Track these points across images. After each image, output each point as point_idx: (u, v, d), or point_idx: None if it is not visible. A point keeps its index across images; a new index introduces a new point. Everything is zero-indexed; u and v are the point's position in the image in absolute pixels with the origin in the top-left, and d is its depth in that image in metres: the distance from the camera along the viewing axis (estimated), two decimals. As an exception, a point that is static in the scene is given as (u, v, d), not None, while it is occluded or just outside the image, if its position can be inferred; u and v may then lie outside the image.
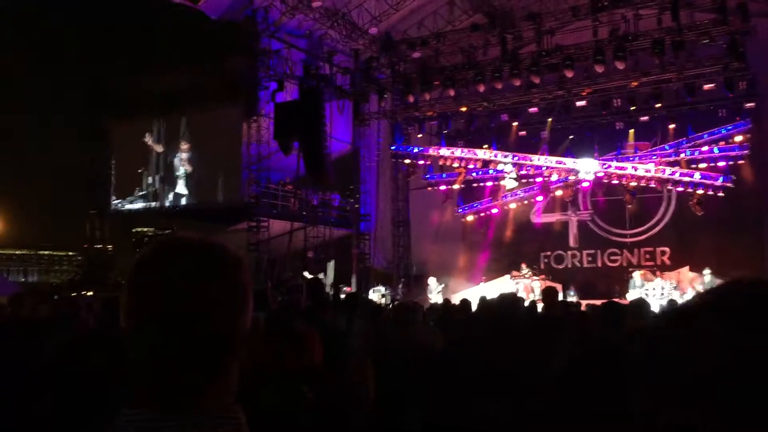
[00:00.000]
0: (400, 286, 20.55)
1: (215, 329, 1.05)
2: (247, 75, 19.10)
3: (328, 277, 18.85)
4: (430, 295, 17.79)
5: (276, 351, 2.60)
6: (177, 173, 20.44)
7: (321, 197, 20.82)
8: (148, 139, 20.80)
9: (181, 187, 20.39)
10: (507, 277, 19.13)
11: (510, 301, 5.01)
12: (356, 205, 22.29)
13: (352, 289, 18.95)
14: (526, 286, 17.81)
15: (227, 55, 19.55)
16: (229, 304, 1.07)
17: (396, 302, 15.14)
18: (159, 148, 20.83)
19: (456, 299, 11.44)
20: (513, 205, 21.20)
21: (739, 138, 17.80)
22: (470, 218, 21.92)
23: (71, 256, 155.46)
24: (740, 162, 17.83)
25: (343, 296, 9.98)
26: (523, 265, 18.84)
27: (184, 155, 20.36)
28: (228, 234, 19.39)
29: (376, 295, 18.19)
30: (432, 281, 18.75)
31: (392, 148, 21.91)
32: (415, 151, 21.72)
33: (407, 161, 21.92)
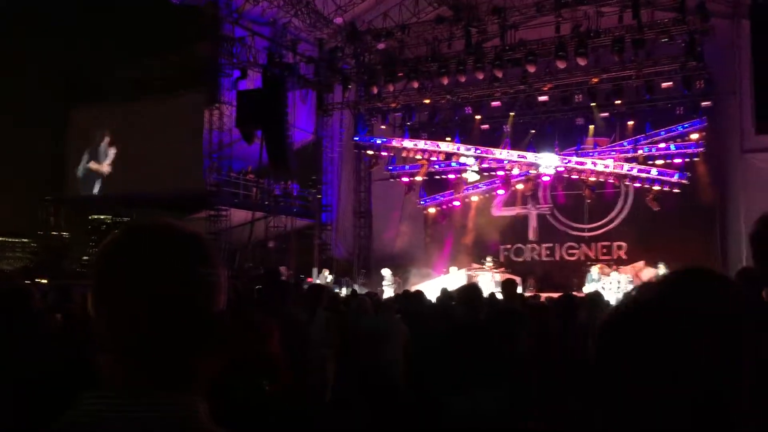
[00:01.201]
0: (361, 277, 20.56)
1: (187, 316, 1.03)
2: (209, 62, 18.84)
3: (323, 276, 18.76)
4: (384, 287, 17.75)
5: (234, 341, 2.58)
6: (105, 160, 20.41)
7: (283, 187, 20.68)
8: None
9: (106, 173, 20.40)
10: (467, 269, 19.28)
11: (474, 293, 5.04)
12: (318, 196, 22.20)
13: (313, 280, 18.88)
14: (488, 279, 17.96)
15: (189, 41, 19.25)
16: (202, 290, 1.05)
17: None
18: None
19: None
20: (475, 198, 21.34)
21: (695, 136, 18.17)
22: (432, 210, 22.01)
23: (25, 243, 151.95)
24: (695, 159, 18.22)
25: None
26: (488, 258, 19.02)
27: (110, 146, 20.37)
28: (188, 223, 19.10)
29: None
30: (386, 272, 18.72)
31: (355, 138, 21.86)
32: (378, 142, 21.70)
33: (370, 152, 21.90)
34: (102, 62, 20.11)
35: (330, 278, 18.78)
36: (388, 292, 16.39)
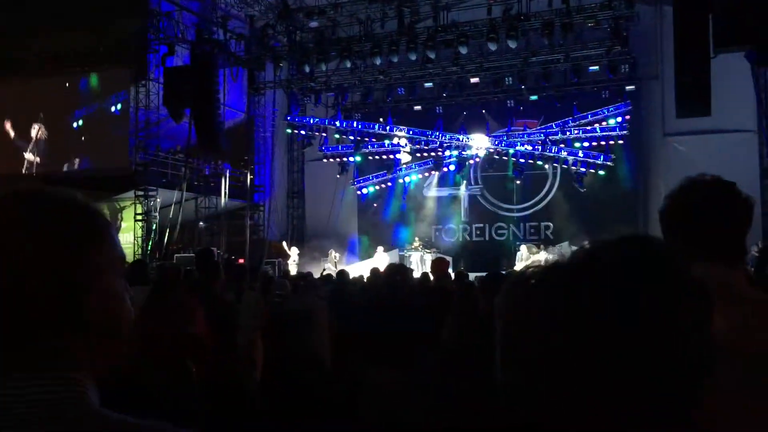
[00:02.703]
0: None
1: (48, 289, 0.92)
2: (135, 37, 18.21)
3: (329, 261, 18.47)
4: (290, 265, 17.94)
5: (156, 320, 2.53)
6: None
7: (213, 167, 20.28)
8: None
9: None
10: (399, 249, 19.46)
11: (401, 273, 5.09)
12: (250, 176, 21.89)
13: (244, 261, 18.66)
14: (418, 259, 18.16)
15: (115, 15, 18.53)
16: (62, 263, 0.94)
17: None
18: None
19: (351, 272, 11.56)
20: (407, 179, 21.49)
21: (619, 119, 18.76)
22: (365, 191, 22.03)
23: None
24: (620, 142, 18.83)
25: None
26: (416, 239, 19.22)
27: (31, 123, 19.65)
28: (114, 203, 18.61)
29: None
30: (293, 251, 18.75)
31: (288, 118, 21.60)
32: (311, 122, 21.53)
33: (303, 132, 21.71)
34: (19, 35, 19.11)
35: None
36: (293, 270, 16.62)
